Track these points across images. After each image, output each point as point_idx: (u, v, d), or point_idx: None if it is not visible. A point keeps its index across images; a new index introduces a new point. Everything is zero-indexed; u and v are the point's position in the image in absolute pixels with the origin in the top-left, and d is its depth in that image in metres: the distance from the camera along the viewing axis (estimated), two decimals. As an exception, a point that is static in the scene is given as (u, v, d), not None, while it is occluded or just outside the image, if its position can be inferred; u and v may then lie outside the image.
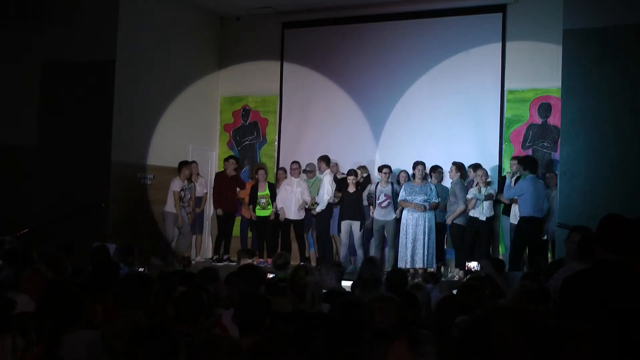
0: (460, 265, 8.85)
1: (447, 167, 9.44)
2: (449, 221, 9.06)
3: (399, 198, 9.25)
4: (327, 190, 9.80)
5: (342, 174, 10.19)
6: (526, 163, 8.37)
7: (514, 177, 8.81)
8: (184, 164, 9.81)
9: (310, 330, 2.38)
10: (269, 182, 10.37)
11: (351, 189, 9.60)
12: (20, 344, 2.58)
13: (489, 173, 9.30)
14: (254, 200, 10.22)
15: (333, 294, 4.65)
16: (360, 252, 9.53)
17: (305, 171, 10.28)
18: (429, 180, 9.30)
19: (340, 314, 3.12)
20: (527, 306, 3.83)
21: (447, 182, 9.55)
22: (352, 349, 2.94)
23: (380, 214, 9.41)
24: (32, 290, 4.14)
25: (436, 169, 9.59)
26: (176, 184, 9.67)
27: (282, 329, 2.74)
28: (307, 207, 10.04)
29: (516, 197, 8.37)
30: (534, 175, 8.35)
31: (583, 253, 4.83)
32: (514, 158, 9.28)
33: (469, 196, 8.93)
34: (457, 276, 8.89)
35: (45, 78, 9.89)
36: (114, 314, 3.42)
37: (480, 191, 8.90)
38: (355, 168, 10.02)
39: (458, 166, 9.28)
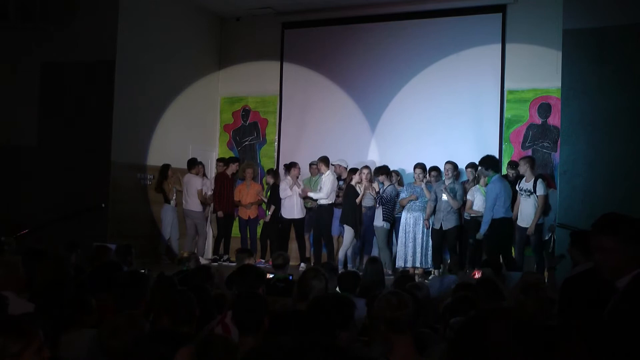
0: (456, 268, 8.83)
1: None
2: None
3: (399, 198, 9.25)
4: (329, 186, 9.73)
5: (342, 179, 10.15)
6: (488, 163, 8.23)
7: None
8: (197, 162, 10.41)
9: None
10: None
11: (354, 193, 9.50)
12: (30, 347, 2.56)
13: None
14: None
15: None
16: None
17: (310, 166, 10.26)
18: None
19: (317, 311, 3.14)
20: (527, 304, 3.81)
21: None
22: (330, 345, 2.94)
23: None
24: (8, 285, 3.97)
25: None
26: (199, 182, 10.24)
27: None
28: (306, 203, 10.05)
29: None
30: (499, 174, 8.30)
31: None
32: (509, 164, 9.14)
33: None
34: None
35: (45, 78, 9.89)
36: (114, 314, 3.42)
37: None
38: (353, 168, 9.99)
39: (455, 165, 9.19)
